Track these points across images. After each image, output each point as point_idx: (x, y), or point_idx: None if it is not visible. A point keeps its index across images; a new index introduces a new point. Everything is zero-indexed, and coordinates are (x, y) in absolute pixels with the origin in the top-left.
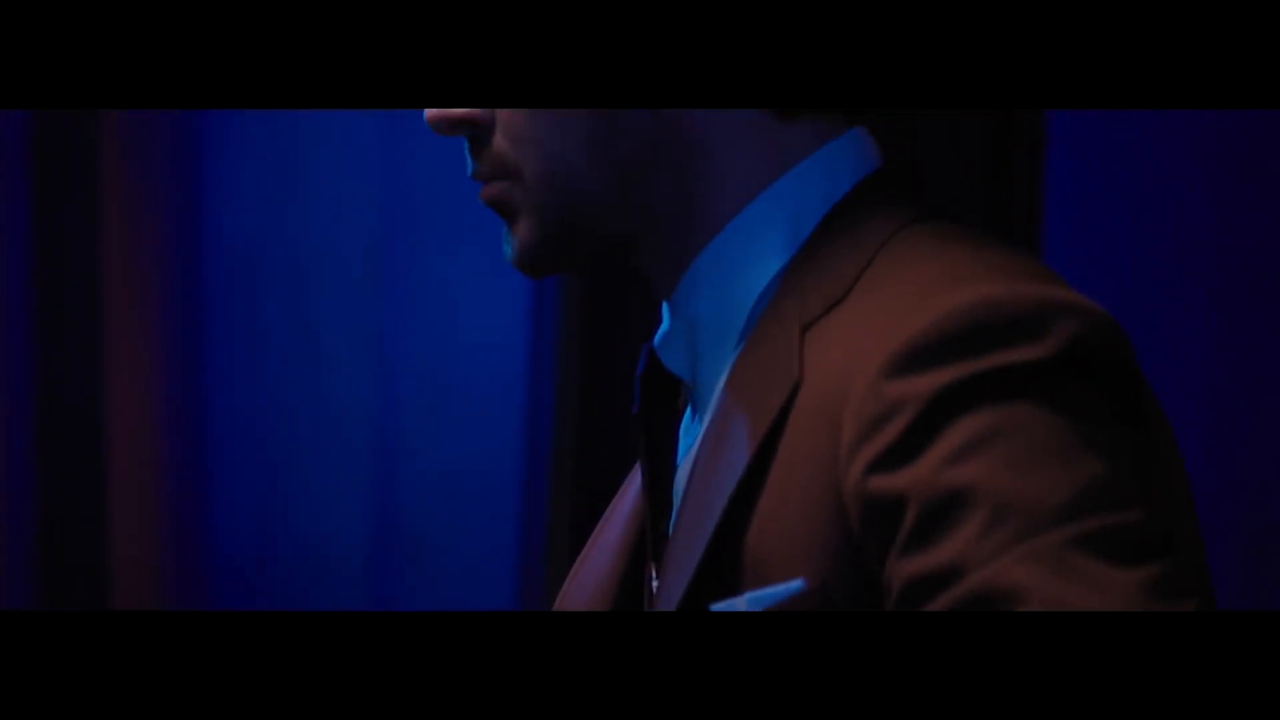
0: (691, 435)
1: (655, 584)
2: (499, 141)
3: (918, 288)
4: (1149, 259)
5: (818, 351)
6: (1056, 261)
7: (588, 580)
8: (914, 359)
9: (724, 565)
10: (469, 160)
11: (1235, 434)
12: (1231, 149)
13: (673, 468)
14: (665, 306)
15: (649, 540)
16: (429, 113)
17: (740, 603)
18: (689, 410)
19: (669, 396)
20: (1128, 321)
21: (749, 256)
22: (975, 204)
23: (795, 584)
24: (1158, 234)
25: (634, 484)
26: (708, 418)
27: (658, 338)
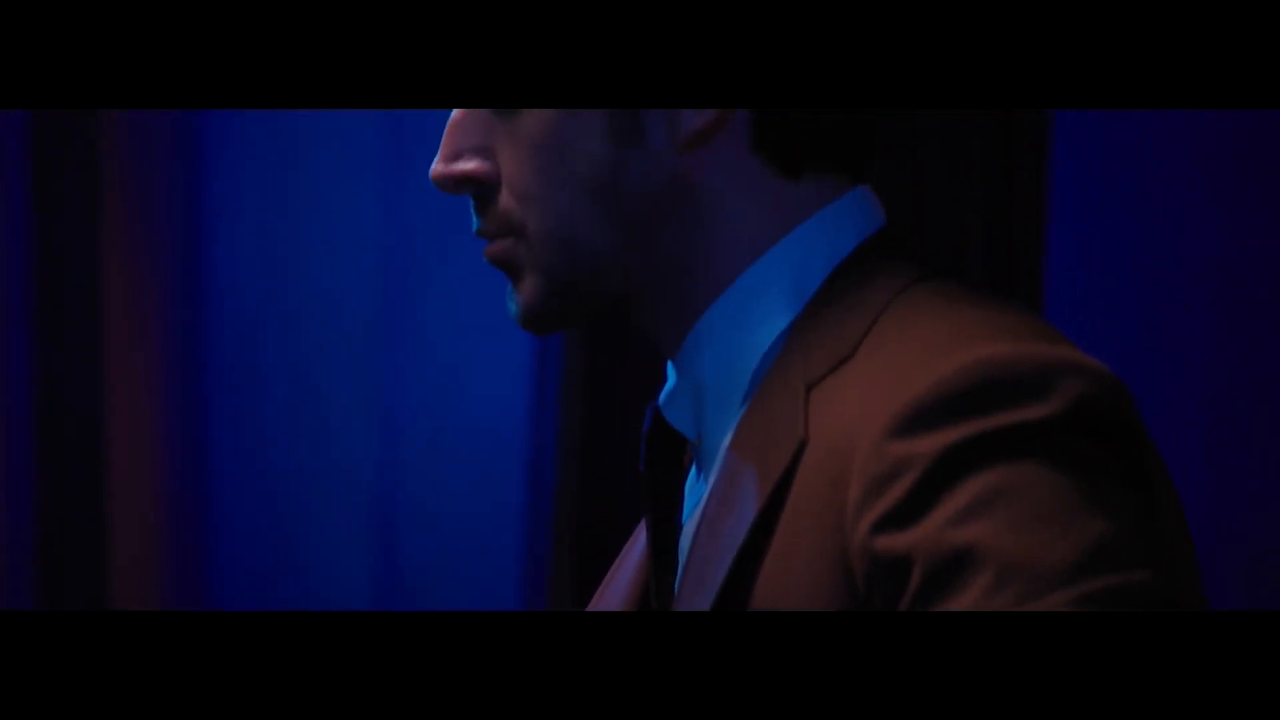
0: (697, 494)
1: None
2: (504, 199)
3: (923, 347)
4: (1153, 260)
5: (823, 411)
6: (1060, 263)
7: None
8: (919, 418)
9: None
10: (474, 218)
11: (1238, 434)
12: (1235, 149)
13: (678, 526)
14: (670, 365)
15: (654, 599)
16: (435, 170)
17: None
18: (694, 469)
19: (674, 455)
20: (1132, 323)
21: (754, 315)
22: (978, 205)
23: None
24: (1162, 235)
25: (638, 542)
26: (713, 476)
27: (663, 396)
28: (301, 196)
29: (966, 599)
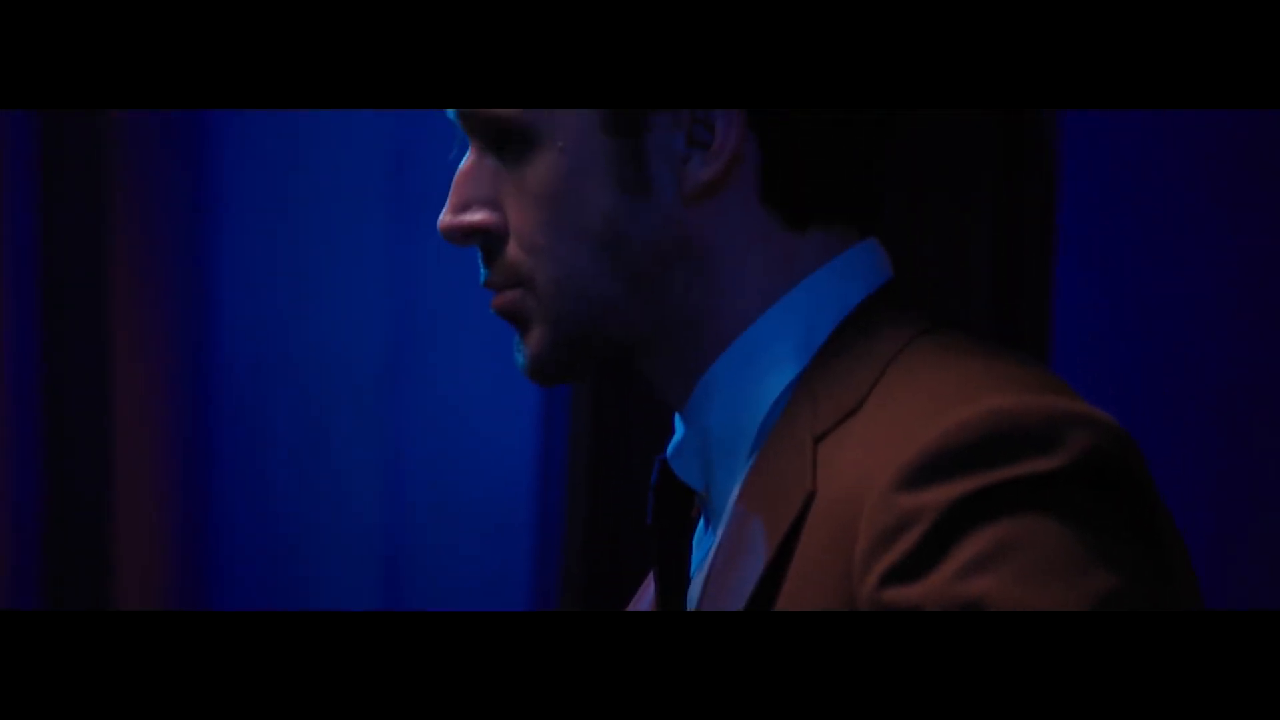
0: (705, 546)
1: None
2: (512, 250)
3: (930, 399)
4: (1161, 261)
5: (831, 463)
6: (1069, 265)
7: None
8: (927, 471)
9: None
10: (482, 269)
11: (1248, 433)
12: (1241, 149)
13: (686, 579)
14: (677, 417)
15: None
16: (443, 221)
17: None
18: (702, 521)
19: (682, 507)
20: (1140, 325)
21: (761, 367)
22: (987, 207)
23: None
24: (1169, 236)
25: (647, 595)
26: (721, 528)
27: (670, 448)
28: (309, 273)
29: None
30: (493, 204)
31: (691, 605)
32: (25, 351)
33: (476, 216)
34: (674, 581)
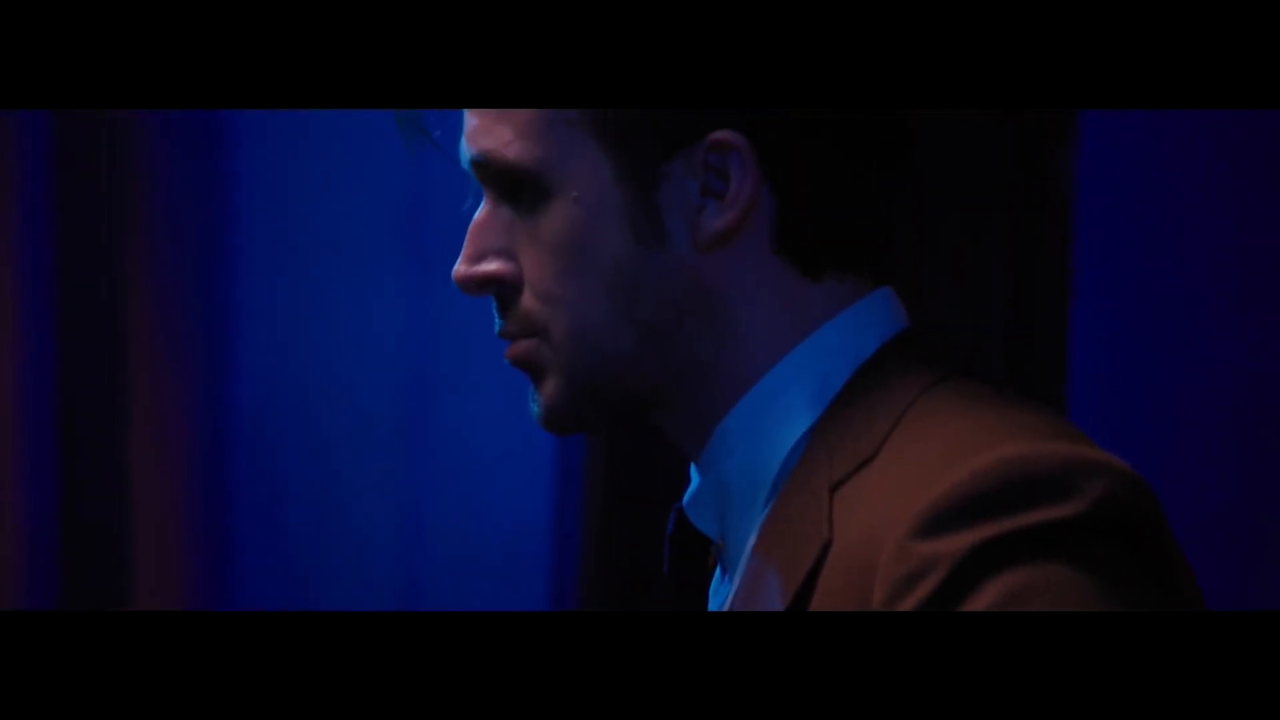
0: (722, 594)
1: None
2: (526, 300)
3: (946, 447)
4: (1177, 304)
5: (847, 511)
6: (1087, 261)
7: None
8: (943, 519)
9: None
10: (496, 318)
11: (1266, 476)
12: (1265, 191)
13: None
14: (692, 466)
15: None
16: (457, 272)
17: None
18: (718, 569)
19: (698, 556)
20: (1158, 324)
21: (777, 415)
22: (1006, 205)
23: None
24: (1185, 279)
25: None
26: (738, 577)
27: (686, 497)
28: (325, 319)
29: None
30: (507, 254)
31: None
32: (41, 352)
33: (491, 266)
34: None
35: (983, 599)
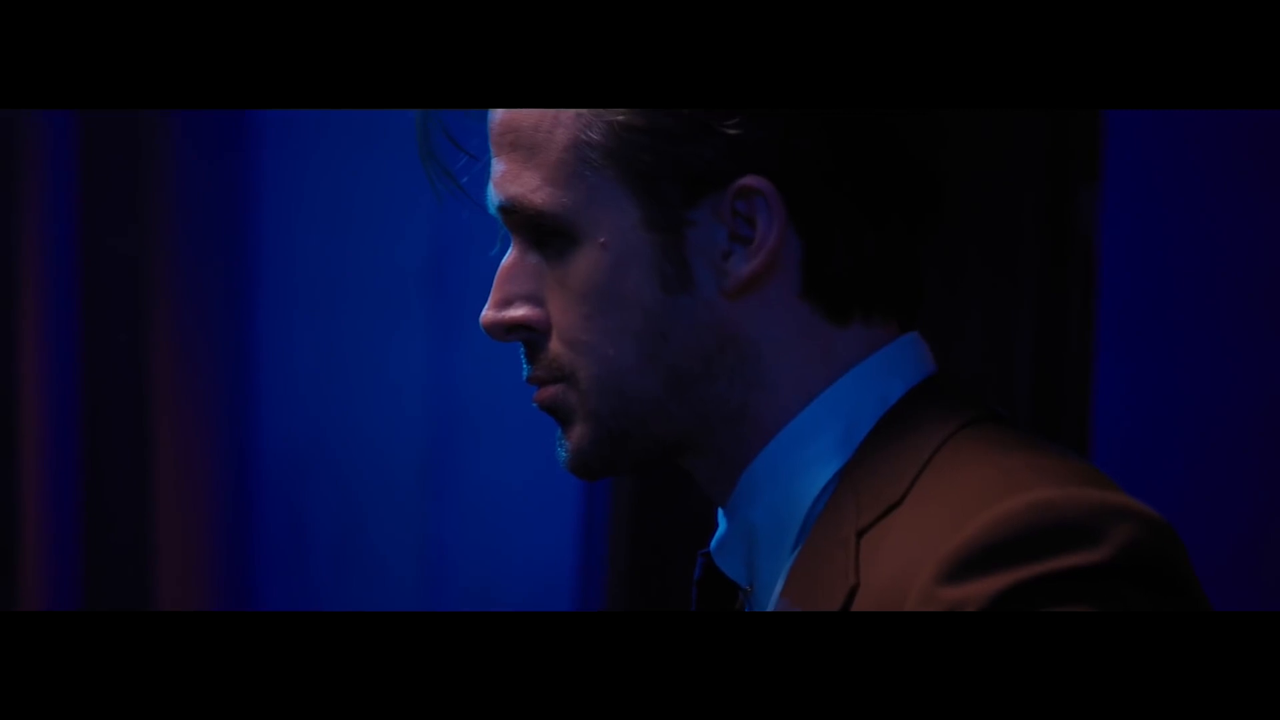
0: None
1: None
2: (554, 346)
3: (973, 492)
4: (1204, 349)
5: (874, 557)
6: (1112, 304)
7: None
8: (970, 564)
9: None
10: (524, 364)
11: None
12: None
13: None
14: (720, 511)
15: None
16: (485, 317)
17: None
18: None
19: (726, 601)
20: (1184, 365)
21: (804, 461)
22: (1032, 247)
23: None
24: (1212, 325)
25: None
26: None
27: (714, 543)
28: (348, 372)
29: None
30: (535, 300)
31: None
32: (65, 353)
33: (519, 312)
34: None
35: None
